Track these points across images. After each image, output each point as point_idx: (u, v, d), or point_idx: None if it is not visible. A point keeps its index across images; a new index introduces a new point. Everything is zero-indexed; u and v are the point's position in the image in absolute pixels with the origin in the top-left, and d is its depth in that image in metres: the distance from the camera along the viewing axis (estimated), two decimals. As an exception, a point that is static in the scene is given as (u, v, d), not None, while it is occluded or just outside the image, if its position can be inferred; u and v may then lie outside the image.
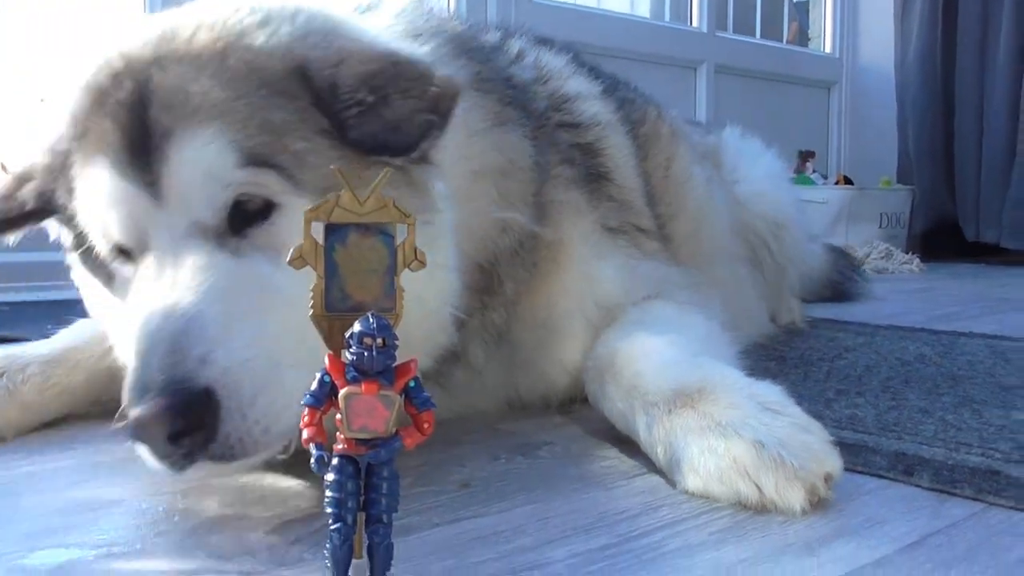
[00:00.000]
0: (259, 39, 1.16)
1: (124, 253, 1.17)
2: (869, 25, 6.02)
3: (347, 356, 0.77)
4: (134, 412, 0.96)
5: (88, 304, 1.36)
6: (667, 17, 5.37)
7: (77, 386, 1.43)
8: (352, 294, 0.82)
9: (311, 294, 0.81)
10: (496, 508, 1.09)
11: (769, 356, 2.04)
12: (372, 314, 0.77)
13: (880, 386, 1.73)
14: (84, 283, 1.33)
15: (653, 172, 1.96)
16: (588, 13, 4.81)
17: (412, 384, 0.79)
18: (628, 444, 1.35)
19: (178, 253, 1.10)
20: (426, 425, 0.79)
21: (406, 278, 0.82)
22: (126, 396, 1.00)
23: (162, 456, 0.99)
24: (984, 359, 2.01)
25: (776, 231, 2.48)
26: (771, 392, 1.17)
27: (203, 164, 1.10)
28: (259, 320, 1.06)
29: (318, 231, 0.81)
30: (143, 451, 1.00)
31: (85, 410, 1.45)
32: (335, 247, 0.81)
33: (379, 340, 0.76)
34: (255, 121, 1.12)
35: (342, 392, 0.76)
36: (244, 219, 1.12)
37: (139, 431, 0.96)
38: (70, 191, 1.20)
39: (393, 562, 0.81)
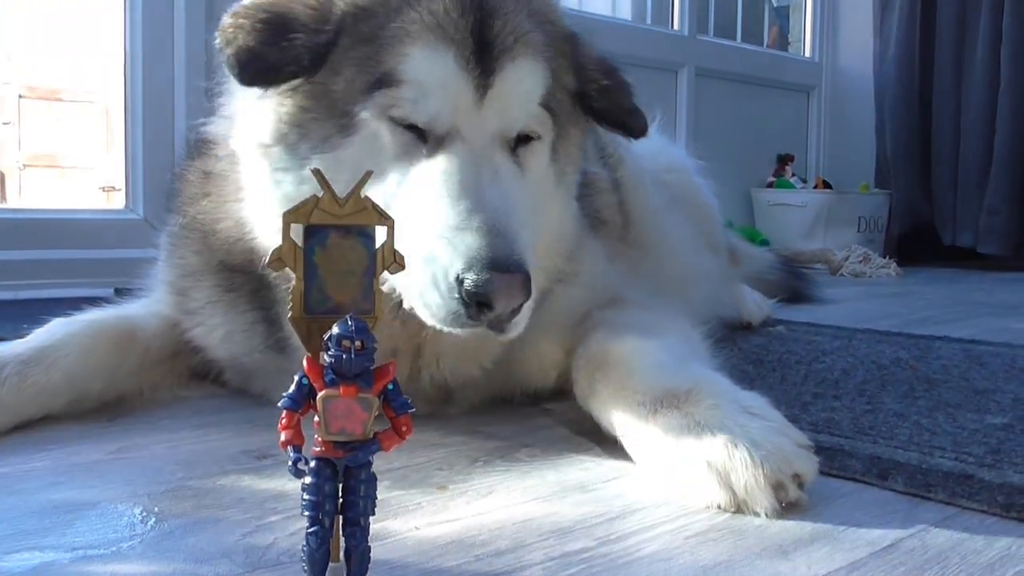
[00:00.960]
0: None
1: (414, 131, 1.29)
2: (849, 30, 6.06)
3: (325, 359, 0.77)
4: (490, 278, 1.15)
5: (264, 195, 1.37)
6: (648, 20, 5.38)
7: (55, 385, 1.42)
8: (331, 296, 0.82)
9: (290, 296, 0.81)
10: (473, 511, 1.09)
11: (747, 359, 2.05)
12: (351, 316, 0.77)
13: (856, 390, 1.74)
14: (266, 178, 1.35)
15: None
16: (569, 15, 4.81)
17: (390, 387, 0.79)
18: (606, 447, 1.36)
19: (489, 154, 1.30)
20: (404, 428, 0.79)
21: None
22: (462, 262, 1.16)
23: (487, 318, 1.18)
24: (959, 363, 2.03)
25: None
26: (754, 399, 1.19)
27: (526, 89, 1.35)
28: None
29: (297, 233, 0.81)
30: (456, 309, 1.18)
31: (63, 410, 1.44)
32: (315, 249, 0.81)
33: (357, 343, 0.76)
34: (551, 67, 1.39)
35: (320, 395, 0.76)
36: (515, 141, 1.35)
37: (496, 295, 1.16)
38: (374, 59, 1.29)
39: (370, 566, 0.81)
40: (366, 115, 1.28)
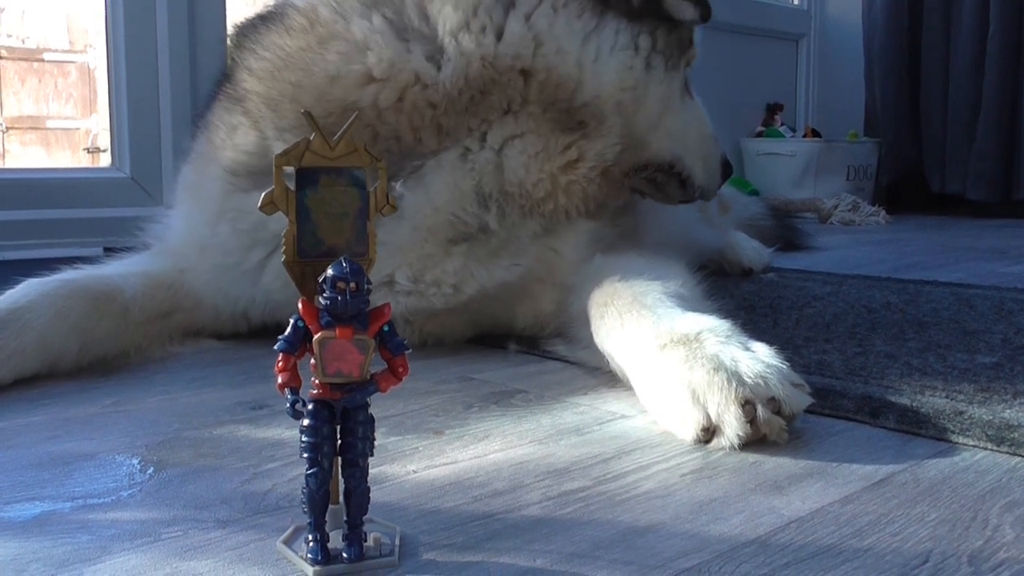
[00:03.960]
0: None
1: None
2: (837, -23, 6.02)
3: (320, 301, 0.77)
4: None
5: None
6: (635, -31, 5.33)
7: (27, 349, 1.39)
8: (324, 239, 0.81)
9: (283, 240, 0.81)
10: (470, 454, 1.10)
11: (739, 305, 2.06)
12: (345, 258, 0.77)
13: (847, 333, 1.75)
14: None
15: None
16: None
17: (386, 328, 0.79)
18: (601, 392, 1.38)
19: None
20: (400, 369, 0.79)
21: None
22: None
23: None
24: (949, 306, 2.04)
25: None
26: (760, 345, 1.20)
27: None
28: None
29: (289, 176, 0.81)
30: None
31: (37, 373, 1.42)
32: (307, 192, 0.81)
33: (352, 284, 0.75)
34: None
35: (316, 337, 0.76)
36: None
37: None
38: None
39: (369, 507, 0.81)
40: None
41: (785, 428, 1.10)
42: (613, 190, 1.70)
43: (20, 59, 12.08)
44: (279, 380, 0.78)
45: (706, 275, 1.87)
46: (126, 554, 0.83)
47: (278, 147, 1.55)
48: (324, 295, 0.76)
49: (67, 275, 1.54)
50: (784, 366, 1.15)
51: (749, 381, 1.10)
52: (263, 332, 1.67)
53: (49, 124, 11.86)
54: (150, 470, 1.05)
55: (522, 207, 1.59)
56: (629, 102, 1.60)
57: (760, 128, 5.55)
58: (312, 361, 0.77)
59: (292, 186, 0.80)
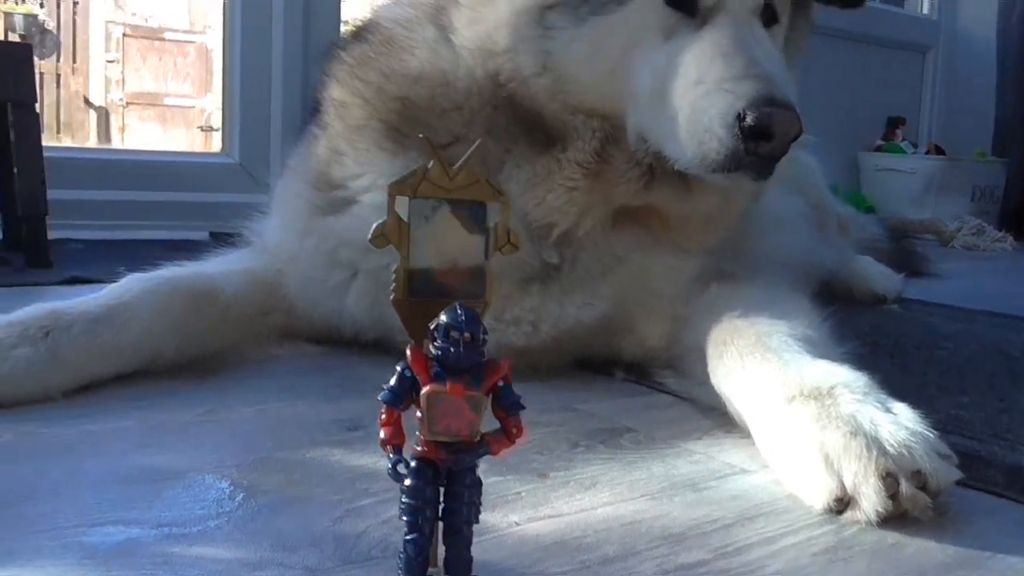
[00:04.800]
0: None
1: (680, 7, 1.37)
2: (971, -14, 5.72)
3: (431, 350, 0.69)
4: (772, 111, 1.24)
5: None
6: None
7: (126, 346, 1.36)
8: (438, 277, 0.74)
9: (393, 276, 0.74)
10: (577, 506, 1.02)
11: (861, 341, 1.92)
12: (460, 304, 0.69)
13: (985, 383, 1.61)
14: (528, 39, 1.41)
15: None
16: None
17: (501, 384, 0.71)
18: (716, 436, 1.28)
19: (752, 26, 1.38)
20: (515, 430, 0.72)
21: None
22: (744, 101, 1.24)
23: (763, 152, 1.26)
24: (1098, 357, 1.87)
25: None
26: (902, 407, 1.09)
27: None
28: None
29: (403, 207, 0.73)
30: (735, 147, 1.26)
31: (134, 370, 1.39)
32: (421, 225, 0.74)
33: (467, 335, 0.68)
34: None
35: (425, 390, 0.68)
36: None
37: (776, 125, 1.24)
38: None
39: (470, 572, 0.74)
40: None
41: (930, 505, 0.98)
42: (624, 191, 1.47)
43: (143, 37, 12.45)
44: (381, 435, 0.70)
45: (824, 302, 1.76)
46: (207, 602, 0.77)
47: (344, 149, 1.54)
48: (436, 343, 0.69)
49: (169, 272, 1.51)
50: (931, 434, 1.03)
51: (892, 451, 0.99)
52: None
53: (166, 101, 12.19)
54: (239, 497, 1.00)
55: (574, 241, 1.48)
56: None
57: (880, 142, 5.32)
58: (418, 415, 0.70)
59: (406, 218, 0.73)
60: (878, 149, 5.27)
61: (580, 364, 1.61)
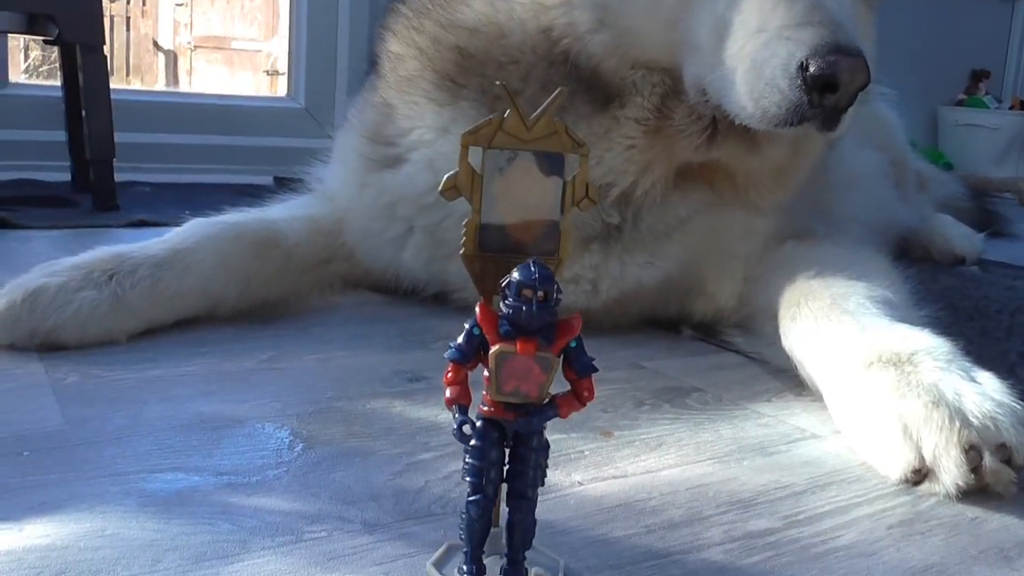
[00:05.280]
0: None
1: None
2: (1066, -69, 5.44)
3: (502, 307, 0.66)
4: (836, 59, 1.16)
5: None
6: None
7: (188, 291, 1.36)
8: (511, 232, 0.71)
9: (463, 229, 0.71)
10: (642, 467, 0.99)
11: (939, 303, 1.85)
12: (534, 261, 0.66)
13: (1071, 351, 1.54)
14: None
15: None
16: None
17: (574, 344, 0.68)
18: (786, 399, 1.24)
19: None
20: (586, 393, 0.69)
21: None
22: (807, 49, 1.17)
23: (829, 104, 1.19)
24: None
25: None
26: (986, 376, 1.04)
27: None
28: None
29: (476, 157, 0.70)
30: (798, 99, 1.19)
31: (196, 316, 1.39)
32: (495, 177, 0.70)
33: (540, 293, 0.64)
34: None
35: (494, 349, 0.65)
36: None
37: (841, 74, 1.17)
38: None
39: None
40: None
41: (1014, 480, 0.94)
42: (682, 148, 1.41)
43: (210, -21, 12.47)
44: (447, 394, 0.68)
45: (902, 262, 1.70)
46: (265, 554, 0.76)
47: (396, 101, 1.51)
48: (507, 301, 0.65)
49: (231, 218, 1.51)
50: (1018, 406, 0.98)
51: (975, 422, 0.94)
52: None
53: (233, 45, 12.23)
54: (299, 447, 0.99)
55: (634, 201, 1.43)
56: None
57: (961, 96, 5.12)
58: (485, 374, 0.67)
59: (479, 169, 0.70)
60: (959, 103, 5.08)
61: (647, 321, 1.58)
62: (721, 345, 1.48)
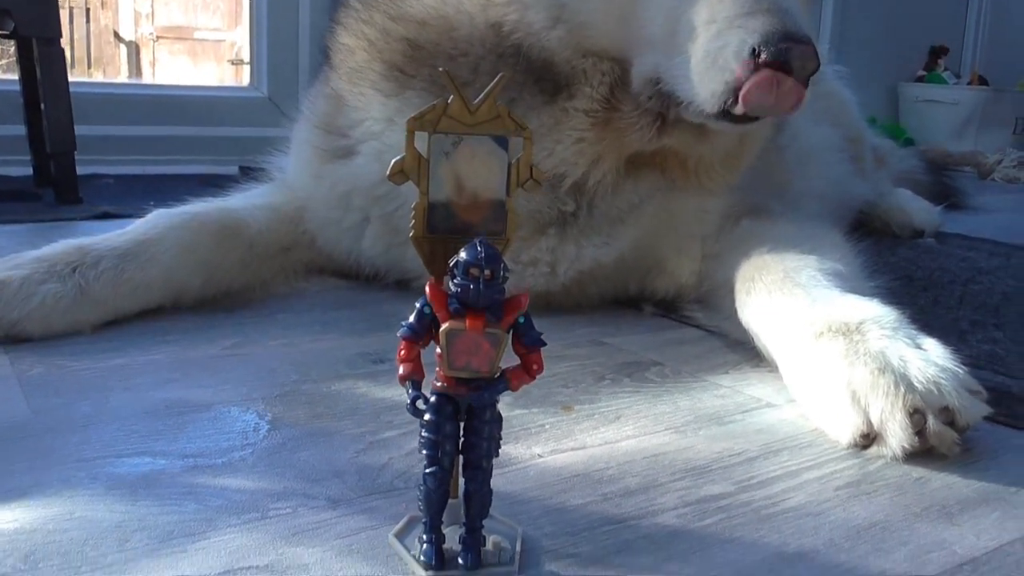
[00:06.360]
0: None
1: None
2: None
3: (451, 286, 0.69)
4: (788, 46, 1.19)
5: None
6: None
7: (152, 281, 1.37)
8: (458, 214, 0.73)
9: (412, 213, 0.73)
10: (600, 439, 1.02)
11: (894, 274, 1.89)
12: (480, 241, 0.68)
13: (1020, 319, 1.59)
14: None
15: None
16: None
17: (522, 320, 0.70)
18: (743, 371, 1.27)
19: None
20: (535, 366, 0.71)
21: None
22: (758, 36, 1.20)
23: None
24: None
25: None
26: (931, 342, 1.07)
27: None
28: None
29: (423, 143, 0.72)
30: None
31: (160, 305, 1.40)
32: (441, 161, 0.72)
33: (487, 272, 0.67)
34: None
35: (444, 327, 0.68)
36: None
37: (793, 61, 1.20)
38: None
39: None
40: None
41: (957, 441, 0.97)
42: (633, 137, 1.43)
43: (171, -32, 12.33)
44: (400, 371, 0.70)
45: (859, 236, 1.73)
46: (231, 531, 0.78)
47: (345, 92, 1.53)
48: (455, 280, 0.68)
49: (194, 208, 1.52)
50: (961, 370, 1.01)
51: (920, 387, 0.97)
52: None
53: (196, 35, 12.11)
54: (264, 429, 1.01)
55: (587, 190, 1.46)
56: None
57: (921, 72, 5.19)
58: (437, 351, 0.69)
59: (426, 154, 0.72)
60: (919, 80, 5.14)
61: (610, 300, 1.60)
62: (681, 320, 1.51)
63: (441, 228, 0.72)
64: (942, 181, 3.22)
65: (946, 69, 5.20)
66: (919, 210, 2.51)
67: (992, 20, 5.56)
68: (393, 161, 0.71)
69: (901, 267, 2.00)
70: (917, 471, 0.96)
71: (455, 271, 0.67)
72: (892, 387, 0.98)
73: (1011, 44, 5.47)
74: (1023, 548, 0.81)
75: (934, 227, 2.48)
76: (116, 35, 11.95)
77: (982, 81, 5.12)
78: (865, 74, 4.65)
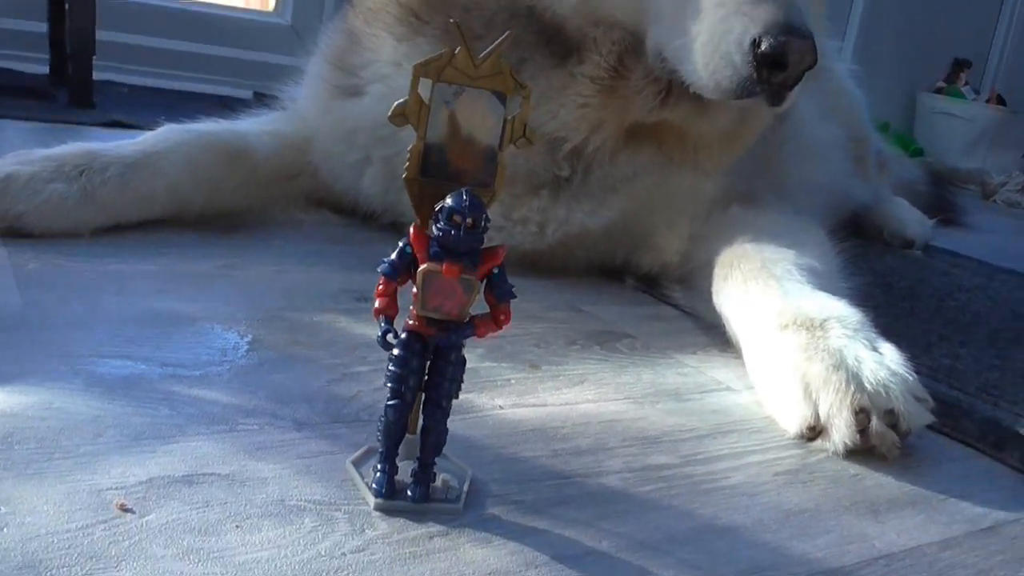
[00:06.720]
0: None
1: None
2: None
3: (433, 230, 0.73)
4: (787, 40, 1.23)
5: None
6: None
7: (156, 193, 1.41)
8: (452, 160, 0.77)
9: (408, 154, 0.77)
10: (561, 399, 1.06)
11: (876, 282, 1.94)
12: (467, 190, 0.72)
13: (987, 338, 1.63)
14: None
15: None
16: None
17: (496, 272, 0.74)
18: (710, 354, 1.32)
19: None
20: (502, 317, 0.75)
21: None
22: (760, 27, 1.24)
23: (775, 82, 1.27)
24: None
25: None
26: (889, 347, 1.11)
27: None
28: None
29: (425, 88, 0.76)
30: (748, 74, 1.26)
31: (162, 217, 1.43)
32: (441, 108, 0.76)
33: (469, 219, 0.71)
34: None
35: (422, 268, 0.72)
36: None
37: (791, 55, 1.24)
38: None
39: (447, 440, 0.78)
40: None
41: (898, 444, 1.02)
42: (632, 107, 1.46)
43: None
44: (376, 304, 0.74)
45: (846, 236, 1.77)
46: (199, 439, 0.83)
47: (359, 31, 1.57)
48: (438, 225, 0.72)
49: (204, 126, 1.55)
50: (911, 377, 1.06)
51: (869, 387, 1.02)
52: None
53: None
54: (243, 348, 1.05)
55: (584, 156, 1.49)
56: None
57: (941, 83, 5.18)
58: (413, 291, 0.73)
59: (427, 100, 0.75)
60: (938, 91, 5.14)
61: (595, 269, 1.64)
62: (660, 298, 1.55)
63: (434, 173, 0.76)
64: (943, 195, 3.25)
65: (967, 83, 5.19)
66: (913, 221, 2.54)
67: (1018, 41, 5.54)
68: (395, 103, 0.75)
69: (885, 274, 2.04)
70: (855, 468, 1.00)
71: (439, 216, 0.71)
72: (843, 384, 1.02)
73: (1034, 68, 5.46)
74: (939, 551, 0.86)
75: (925, 240, 2.51)
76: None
77: (1000, 101, 5.12)
78: (886, 79, 4.66)
